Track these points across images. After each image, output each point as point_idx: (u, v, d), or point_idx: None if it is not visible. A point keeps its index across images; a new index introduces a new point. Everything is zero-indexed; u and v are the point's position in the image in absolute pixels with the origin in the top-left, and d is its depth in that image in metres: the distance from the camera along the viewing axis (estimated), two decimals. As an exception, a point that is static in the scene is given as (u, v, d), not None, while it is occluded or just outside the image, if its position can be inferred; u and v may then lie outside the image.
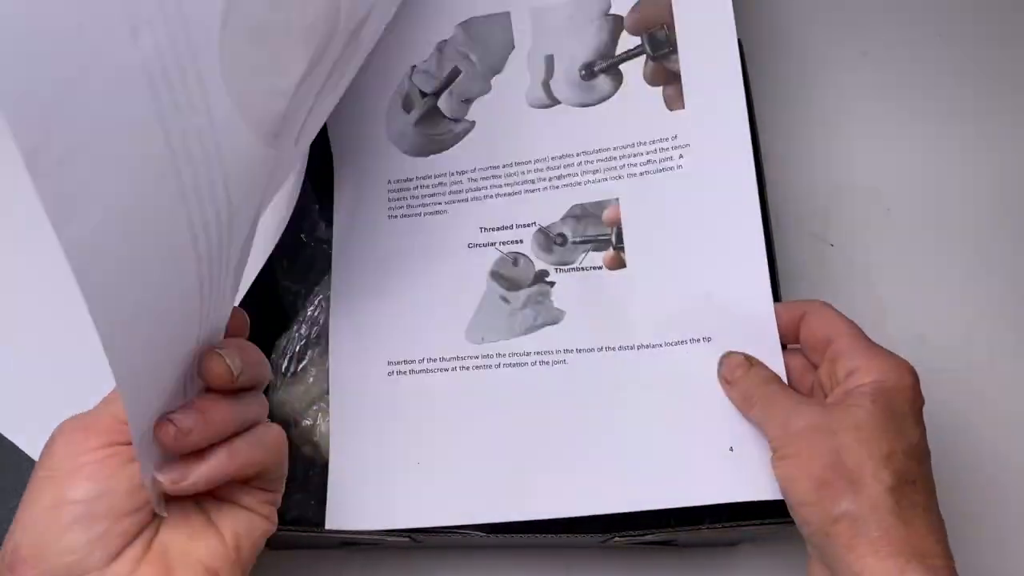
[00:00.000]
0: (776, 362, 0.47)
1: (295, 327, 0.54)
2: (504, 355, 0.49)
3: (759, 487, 0.45)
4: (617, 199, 0.50)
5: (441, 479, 0.48)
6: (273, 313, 0.56)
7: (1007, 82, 0.68)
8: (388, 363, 0.50)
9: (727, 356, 0.47)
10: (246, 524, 0.39)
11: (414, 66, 0.53)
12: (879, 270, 0.63)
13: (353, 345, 0.51)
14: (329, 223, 0.57)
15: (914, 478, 0.41)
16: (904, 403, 0.42)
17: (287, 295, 0.56)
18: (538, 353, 0.49)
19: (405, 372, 0.50)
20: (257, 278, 0.52)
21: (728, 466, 0.46)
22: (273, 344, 0.54)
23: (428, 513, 0.48)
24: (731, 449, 0.46)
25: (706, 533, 0.49)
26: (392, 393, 0.50)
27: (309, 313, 0.54)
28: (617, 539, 0.49)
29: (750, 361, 0.46)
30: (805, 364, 0.47)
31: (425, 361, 0.50)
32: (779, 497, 0.44)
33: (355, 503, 0.48)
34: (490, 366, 0.49)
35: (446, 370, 0.49)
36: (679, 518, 0.48)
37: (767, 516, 0.47)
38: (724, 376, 0.47)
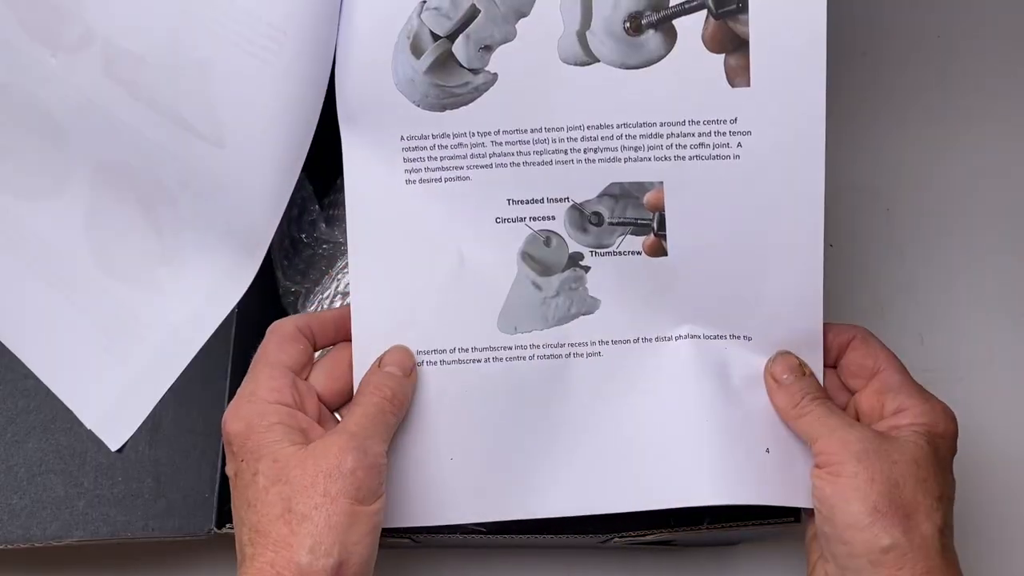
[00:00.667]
0: (816, 355, 0.46)
1: (295, 327, 0.54)
2: (538, 346, 0.47)
3: (796, 493, 0.44)
4: (661, 183, 0.45)
5: (477, 476, 0.47)
6: (273, 313, 0.56)
7: (1007, 82, 0.68)
8: (418, 352, 0.47)
9: (782, 355, 0.46)
10: None
11: (424, 1, 0.45)
12: (879, 270, 0.63)
13: (379, 332, 0.47)
14: (329, 223, 0.57)
15: (951, 524, 0.42)
16: (948, 451, 0.43)
17: (287, 295, 0.56)
18: (572, 344, 0.47)
19: (436, 363, 0.47)
20: (257, 278, 0.52)
21: (764, 468, 0.45)
22: (273, 344, 0.54)
23: (462, 510, 0.47)
24: (768, 451, 0.45)
25: (706, 533, 0.49)
26: (423, 385, 0.47)
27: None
28: (617, 539, 0.49)
29: (803, 368, 0.45)
30: (839, 385, 0.47)
31: (457, 351, 0.47)
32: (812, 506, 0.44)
33: (389, 501, 0.46)
34: (524, 358, 0.47)
35: (479, 361, 0.47)
36: (679, 518, 0.48)
37: (767, 516, 0.47)
38: (773, 374, 0.46)
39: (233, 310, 0.52)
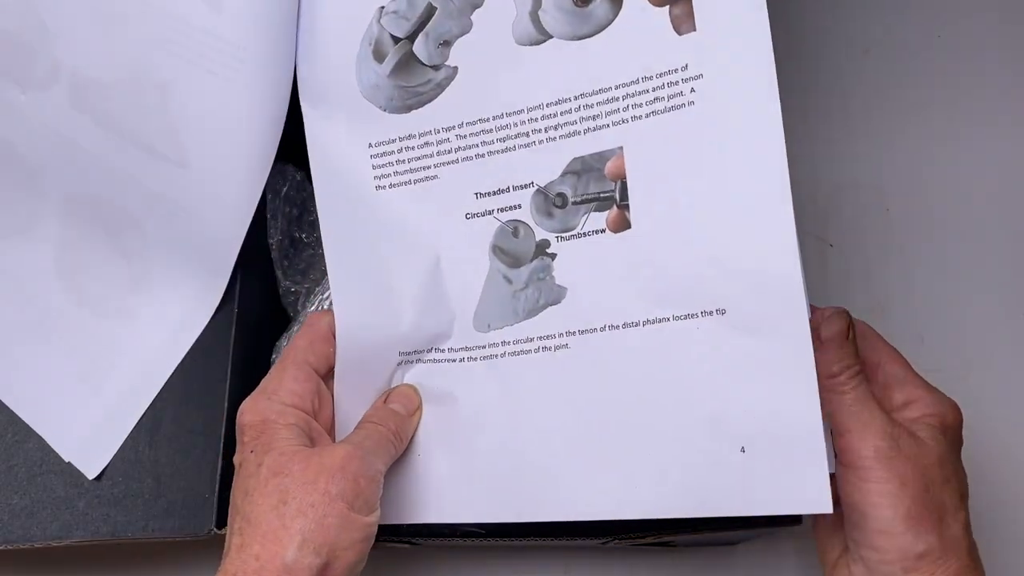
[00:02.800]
0: (801, 331, 0.40)
1: (295, 327, 0.54)
2: (509, 343, 0.46)
3: (776, 500, 0.40)
4: (621, 148, 0.43)
5: (440, 475, 0.46)
6: (273, 313, 0.56)
7: (1006, 82, 0.68)
8: (399, 353, 0.47)
9: (836, 312, 0.43)
10: None
11: (382, 7, 0.46)
12: (879, 270, 0.63)
13: (361, 335, 0.47)
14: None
15: (970, 520, 0.42)
16: (958, 442, 0.43)
17: (287, 295, 0.56)
18: (540, 338, 0.45)
19: (413, 362, 0.47)
20: (257, 278, 0.52)
21: (739, 473, 0.40)
22: (273, 344, 0.54)
23: (426, 509, 0.46)
24: (743, 450, 0.41)
25: (706, 534, 0.49)
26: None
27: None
28: (616, 542, 0.49)
29: (850, 331, 0.42)
30: None
31: (434, 352, 0.47)
32: (797, 512, 0.41)
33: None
34: (495, 355, 0.46)
35: (453, 361, 0.47)
36: (678, 520, 0.48)
37: (767, 517, 0.46)
38: (819, 333, 0.42)
39: (233, 310, 0.52)
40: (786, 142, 0.48)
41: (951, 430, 0.43)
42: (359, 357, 0.47)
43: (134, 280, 0.53)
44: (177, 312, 0.53)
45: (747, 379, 0.41)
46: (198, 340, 0.53)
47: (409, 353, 0.47)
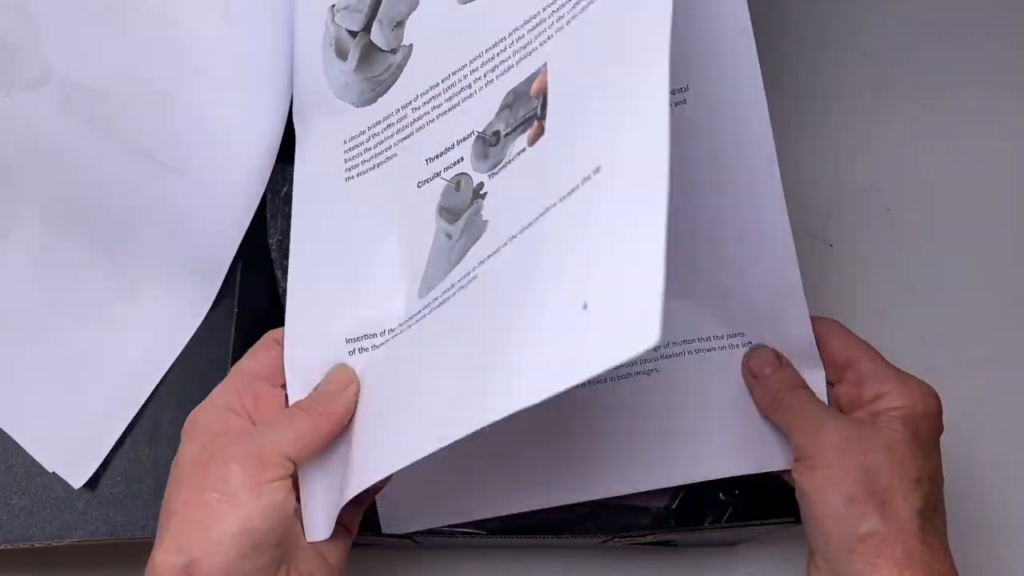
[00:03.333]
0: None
1: (295, 327, 0.54)
2: (438, 298, 0.40)
3: (606, 351, 0.29)
4: (545, 64, 0.40)
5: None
6: (273, 313, 0.56)
7: (1007, 82, 0.68)
8: (346, 340, 0.44)
9: (757, 350, 0.46)
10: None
11: (333, 5, 0.46)
12: (879, 270, 0.63)
13: (308, 324, 0.45)
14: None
15: (935, 504, 0.42)
16: (930, 430, 0.43)
17: (287, 295, 0.56)
18: (459, 280, 0.39)
19: (367, 348, 0.43)
20: (257, 278, 0.52)
21: (578, 332, 0.31)
22: (273, 344, 0.54)
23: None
24: (585, 307, 0.31)
25: (706, 534, 0.49)
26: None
27: (309, 313, 0.54)
28: (617, 540, 0.49)
29: (779, 359, 0.45)
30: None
31: (386, 333, 0.43)
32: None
33: (327, 504, 0.42)
34: (422, 319, 0.41)
35: (397, 335, 0.42)
36: (678, 519, 0.48)
37: (767, 517, 0.47)
38: (751, 370, 0.46)
39: (233, 310, 0.52)
40: (786, 144, 0.48)
41: (918, 419, 0.43)
42: (307, 354, 0.44)
43: (120, 287, 0.53)
44: (165, 319, 0.52)
45: (596, 225, 0.33)
46: (198, 340, 0.52)
47: (359, 338, 0.44)
